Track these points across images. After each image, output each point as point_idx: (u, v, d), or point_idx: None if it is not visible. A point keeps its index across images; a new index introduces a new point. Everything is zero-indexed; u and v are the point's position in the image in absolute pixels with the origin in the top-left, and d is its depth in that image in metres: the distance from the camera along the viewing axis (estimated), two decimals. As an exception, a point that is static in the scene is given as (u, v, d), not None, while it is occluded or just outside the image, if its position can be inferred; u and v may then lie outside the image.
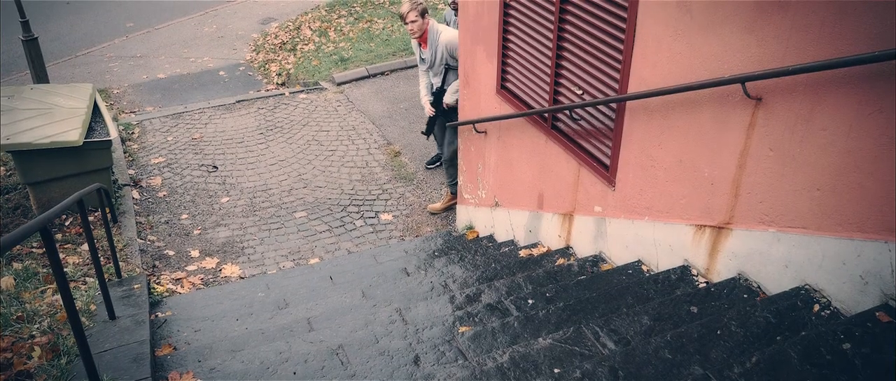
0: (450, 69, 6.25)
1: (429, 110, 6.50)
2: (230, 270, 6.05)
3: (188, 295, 5.38)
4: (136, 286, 4.62)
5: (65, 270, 3.74)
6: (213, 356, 3.83)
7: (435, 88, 6.39)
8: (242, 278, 5.95)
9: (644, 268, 4.04)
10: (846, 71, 2.61)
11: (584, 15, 4.06)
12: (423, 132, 6.76)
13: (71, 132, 6.02)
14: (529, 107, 4.93)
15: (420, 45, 6.25)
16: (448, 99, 6.36)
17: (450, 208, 7.06)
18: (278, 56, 11.29)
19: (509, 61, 5.09)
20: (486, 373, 2.94)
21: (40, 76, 8.73)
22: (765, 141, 3.05)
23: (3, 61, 10.57)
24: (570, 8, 4.18)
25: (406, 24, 6.04)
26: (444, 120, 6.57)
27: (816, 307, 2.91)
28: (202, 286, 5.75)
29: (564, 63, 4.39)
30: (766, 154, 3.06)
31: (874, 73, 2.52)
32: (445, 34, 6.10)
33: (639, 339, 3.08)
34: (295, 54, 11.32)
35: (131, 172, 7.68)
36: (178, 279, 5.80)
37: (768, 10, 2.85)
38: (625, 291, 3.70)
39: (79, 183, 6.06)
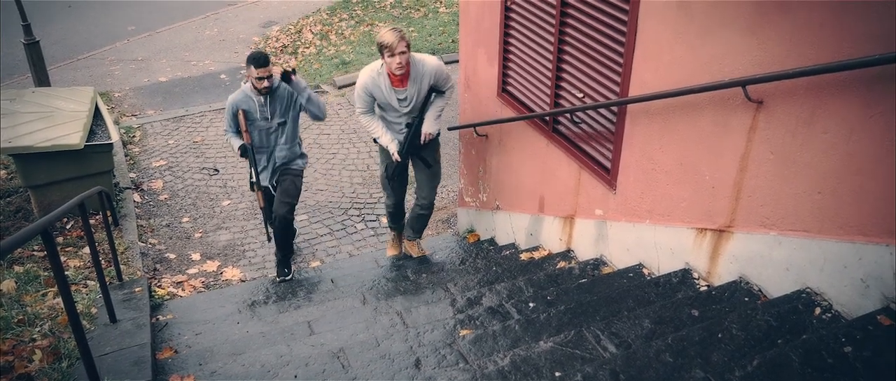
0: (429, 97, 4.97)
1: (397, 157, 5.07)
2: (231, 273, 6.05)
3: (189, 298, 5.37)
4: (137, 290, 4.62)
5: (66, 273, 3.75)
6: (213, 359, 3.83)
7: (408, 122, 5.04)
8: (243, 281, 5.95)
9: (645, 271, 4.04)
10: (847, 74, 2.61)
11: (585, 18, 4.06)
12: (387, 177, 5.26)
13: (72, 135, 6.03)
14: (530, 110, 4.93)
15: (391, 84, 4.79)
16: (430, 128, 5.01)
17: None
18: (279, 59, 11.31)
19: (510, 65, 5.09)
20: (487, 376, 2.94)
21: (42, 79, 8.74)
22: (766, 144, 3.04)
23: (5, 64, 10.58)
24: (571, 11, 4.18)
25: (393, 56, 4.52)
26: (419, 160, 5.26)
27: (817, 311, 2.90)
28: (203, 290, 5.75)
29: (565, 66, 4.39)
30: (767, 157, 3.06)
31: (875, 76, 2.52)
32: (430, 61, 4.84)
33: (640, 342, 3.07)
34: (296, 58, 11.33)
35: (132, 175, 7.68)
36: (179, 283, 5.80)
37: (769, 13, 2.85)
38: (626, 294, 3.69)
39: (80, 186, 6.06)
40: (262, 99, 5.05)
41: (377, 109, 5.05)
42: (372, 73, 4.81)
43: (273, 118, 5.14)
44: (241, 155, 5.20)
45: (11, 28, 10.73)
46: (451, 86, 5.03)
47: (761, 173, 3.11)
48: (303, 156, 5.51)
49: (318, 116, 5.23)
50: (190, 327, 4.47)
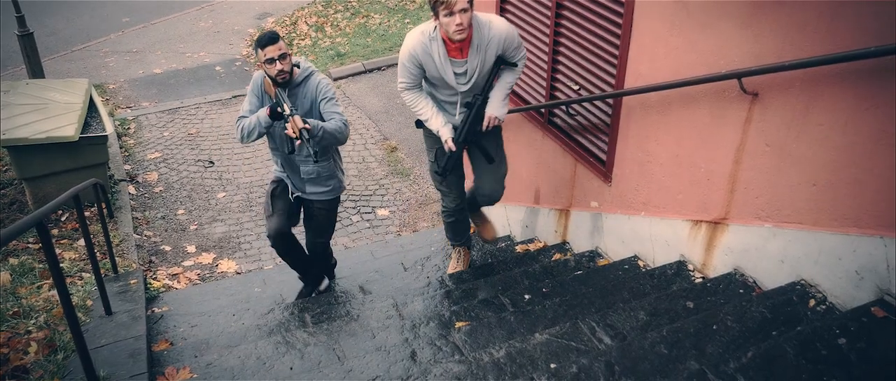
0: (495, 71, 3.84)
1: (451, 144, 3.87)
2: (227, 265, 6.04)
3: (185, 290, 5.37)
4: (132, 282, 4.62)
5: (61, 265, 3.74)
6: (209, 351, 3.83)
7: (467, 102, 3.89)
8: (239, 273, 5.95)
9: (640, 263, 4.05)
10: (843, 66, 2.61)
11: (581, 10, 4.06)
12: (436, 172, 4.08)
13: (67, 127, 6.01)
14: (526, 102, 4.93)
15: (447, 53, 3.68)
16: (496, 110, 3.87)
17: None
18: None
19: (506, 57, 5.08)
20: (483, 368, 2.94)
21: (36, 71, 8.69)
22: (761, 136, 3.05)
23: (-1, 56, 10.54)
24: (567, 3, 4.18)
25: (451, 15, 3.41)
26: (477, 150, 4.09)
27: (812, 302, 2.91)
28: (199, 282, 5.75)
29: (561, 58, 4.38)
30: (762, 149, 3.06)
31: (871, 68, 2.52)
32: (499, 24, 3.71)
33: (635, 334, 3.08)
34: (291, 50, 11.29)
35: (127, 167, 7.66)
36: (175, 275, 5.79)
37: (765, 5, 2.85)
38: (621, 286, 3.70)
39: (75, 178, 6.04)
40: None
41: (425, 85, 3.98)
42: (422, 37, 3.68)
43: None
44: (272, 115, 3.85)
45: (5, 19, 10.67)
46: (524, 56, 3.90)
47: (756, 165, 3.12)
48: (336, 175, 4.30)
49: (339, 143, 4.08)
50: (185, 319, 4.47)
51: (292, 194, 4.28)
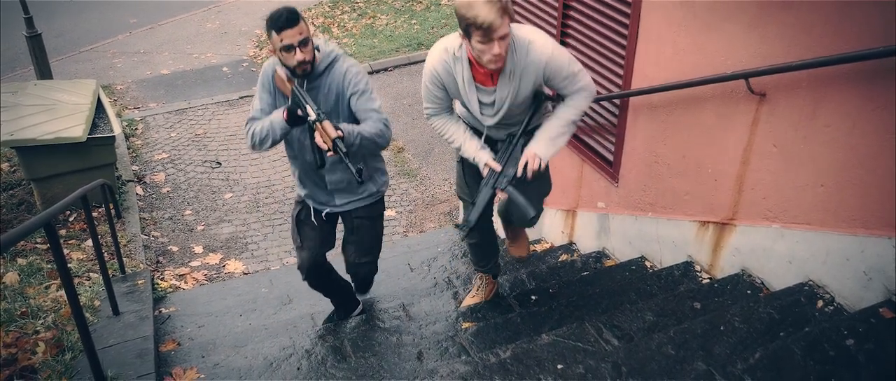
0: (539, 105, 3.11)
1: (493, 164, 3.07)
2: (234, 266, 6.06)
3: (192, 291, 5.38)
4: (139, 282, 4.63)
5: (69, 265, 3.76)
6: (216, 351, 3.84)
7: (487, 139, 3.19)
8: (246, 273, 5.96)
9: (647, 264, 4.04)
10: (850, 67, 2.60)
11: (588, 11, 4.05)
12: (459, 227, 2.97)
13: (74, 128, 6.03)
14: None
15: (473, 77, 2.94)
16: (540, 148, 3.02)
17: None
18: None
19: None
20: (489, 369, 2.94)
21: (44, 72, 8.73)
22: (768, 137, 3.04)
23: (7, 57, 10.58)
24: (574, 4, 4.17)
25: (489, 42, 2.64)
26: (519, 194, 3.07)
27: (820, 303, 2.90)
28: (206, 282, 5.76)
29: (568, 59, 4.38)
30: (769, 150, 3.05)
31: (878, 69, 2.51)
32: (540, 45, 2.85)
33: (642, 335, 3.08)
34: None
35: (135, 168, 7.69)
36: (182, 275, 5.81)
37: (772, 6, 2.84)
38: (628, 287, 3.70)
39: (82, 179, 6.06)
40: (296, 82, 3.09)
41: (458, 108, 3.28)
42: (446, 55, 2.95)
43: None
44: (290, 120, 3.05)
45: (13, 21, 10.72)
46: (582, 88, 3.01)
47: (764, 166, 3.11)
48: (372, 178, 3.51)
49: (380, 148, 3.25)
50: (193, 319, 4.48)
51: (321, 213, 3.53)
